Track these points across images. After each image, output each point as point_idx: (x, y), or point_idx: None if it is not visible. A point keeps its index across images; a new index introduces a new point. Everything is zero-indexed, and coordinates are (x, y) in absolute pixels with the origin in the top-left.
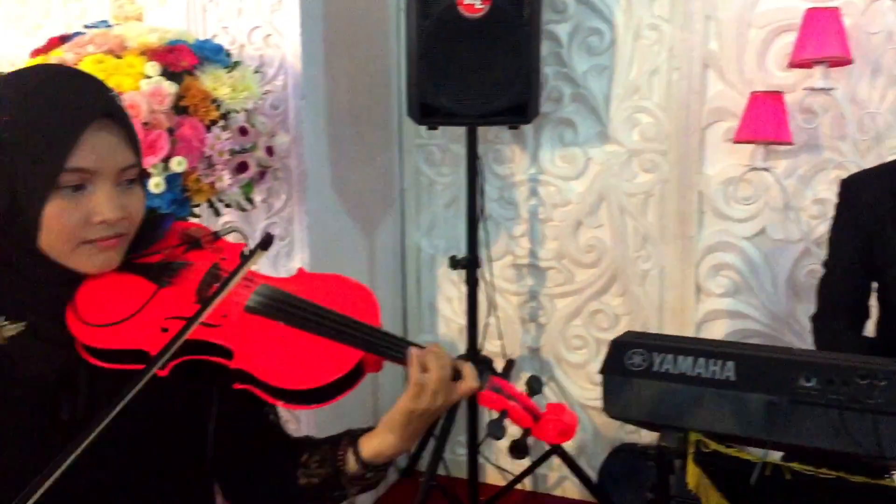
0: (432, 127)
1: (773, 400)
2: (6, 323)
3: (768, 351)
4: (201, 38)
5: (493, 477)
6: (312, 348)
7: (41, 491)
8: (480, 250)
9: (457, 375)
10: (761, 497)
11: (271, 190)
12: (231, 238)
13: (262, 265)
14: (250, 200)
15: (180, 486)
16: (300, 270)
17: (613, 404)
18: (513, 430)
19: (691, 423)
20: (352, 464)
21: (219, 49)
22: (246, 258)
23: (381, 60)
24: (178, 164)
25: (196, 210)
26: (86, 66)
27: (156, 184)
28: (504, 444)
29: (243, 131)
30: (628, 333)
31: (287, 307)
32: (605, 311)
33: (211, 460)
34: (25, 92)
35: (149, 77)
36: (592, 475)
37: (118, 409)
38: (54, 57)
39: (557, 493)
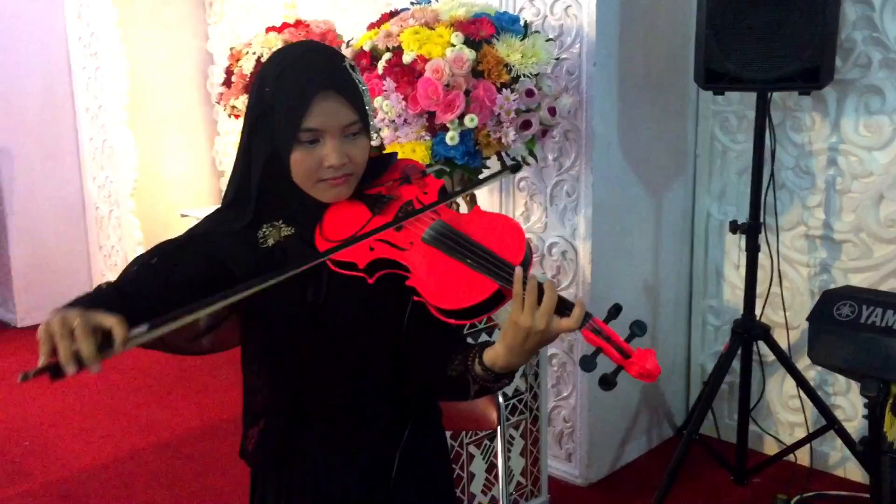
0: (718, 92)
1: None
2: (283, 225)
3: None
4: (512, 10)
5: (769, 447)
6: (464, 276)
7: None
8: (770, 218)
9: (564, 312)
10: None
11: (563, 149)
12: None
13: (552, 219)
14: (534, 156)
15: (383, 365)
16: (476, 208)
17: (817, 351)
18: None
19: (893, 375)
20: (476, 366)
21: (515, 20)
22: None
23: (680, 28)
24: (470, 121)
25: (487, 163)
26: (405, 37)
27: (451, 137)
28: (785, 416)
29: (529, 93)
30: (844, 287)
31: (448, 241)
32: None
33: (403, 349)
34: (278, 71)
35: (453, 46)
36: None
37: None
38: (383, 29)
39: (838, 472)
